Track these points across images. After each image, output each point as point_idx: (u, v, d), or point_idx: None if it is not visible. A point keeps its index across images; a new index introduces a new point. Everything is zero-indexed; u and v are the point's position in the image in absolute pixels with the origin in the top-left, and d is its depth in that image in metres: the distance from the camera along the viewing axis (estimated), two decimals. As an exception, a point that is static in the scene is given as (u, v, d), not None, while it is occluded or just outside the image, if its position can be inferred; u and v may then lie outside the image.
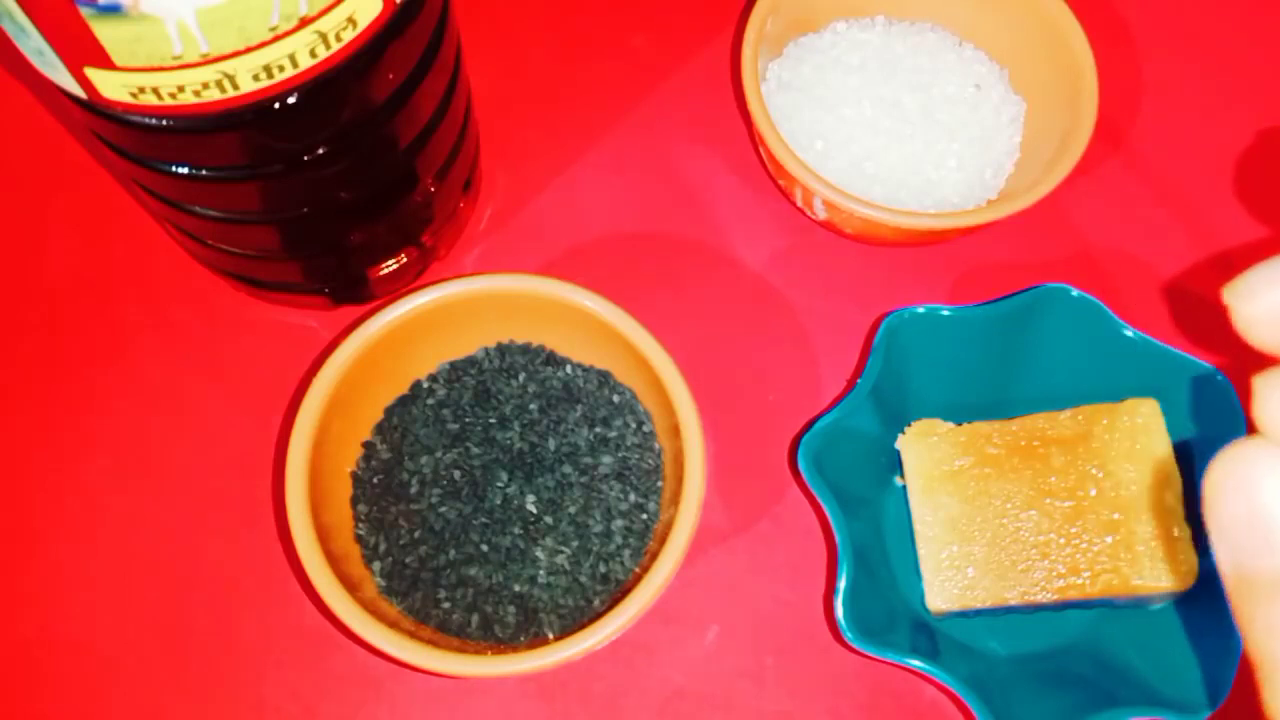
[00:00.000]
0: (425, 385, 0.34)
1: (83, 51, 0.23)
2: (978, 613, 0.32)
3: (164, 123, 0.26)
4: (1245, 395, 0.32)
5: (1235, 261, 0.39)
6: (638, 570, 0.32)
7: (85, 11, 0.22)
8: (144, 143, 0.28)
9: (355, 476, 0.33)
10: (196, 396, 0.37)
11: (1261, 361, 0.23)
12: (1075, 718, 0.29)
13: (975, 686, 0.29)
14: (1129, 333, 0.33)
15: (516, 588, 0.32)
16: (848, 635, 0.30)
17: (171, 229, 0.35)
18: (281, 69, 0.25)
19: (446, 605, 0.31)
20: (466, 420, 0.34)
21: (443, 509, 0.32)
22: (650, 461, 0.34)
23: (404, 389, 0.34)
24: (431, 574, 0.32)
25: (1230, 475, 0.19)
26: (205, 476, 0.36)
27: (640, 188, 0.40)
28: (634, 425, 0.34)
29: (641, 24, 0.43)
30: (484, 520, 0.32)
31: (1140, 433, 0.31)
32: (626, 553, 0.32)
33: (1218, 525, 0.19)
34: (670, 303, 0.38)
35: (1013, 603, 0.31)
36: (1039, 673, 0.32)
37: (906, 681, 0.34)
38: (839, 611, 0.30)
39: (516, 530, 0.32)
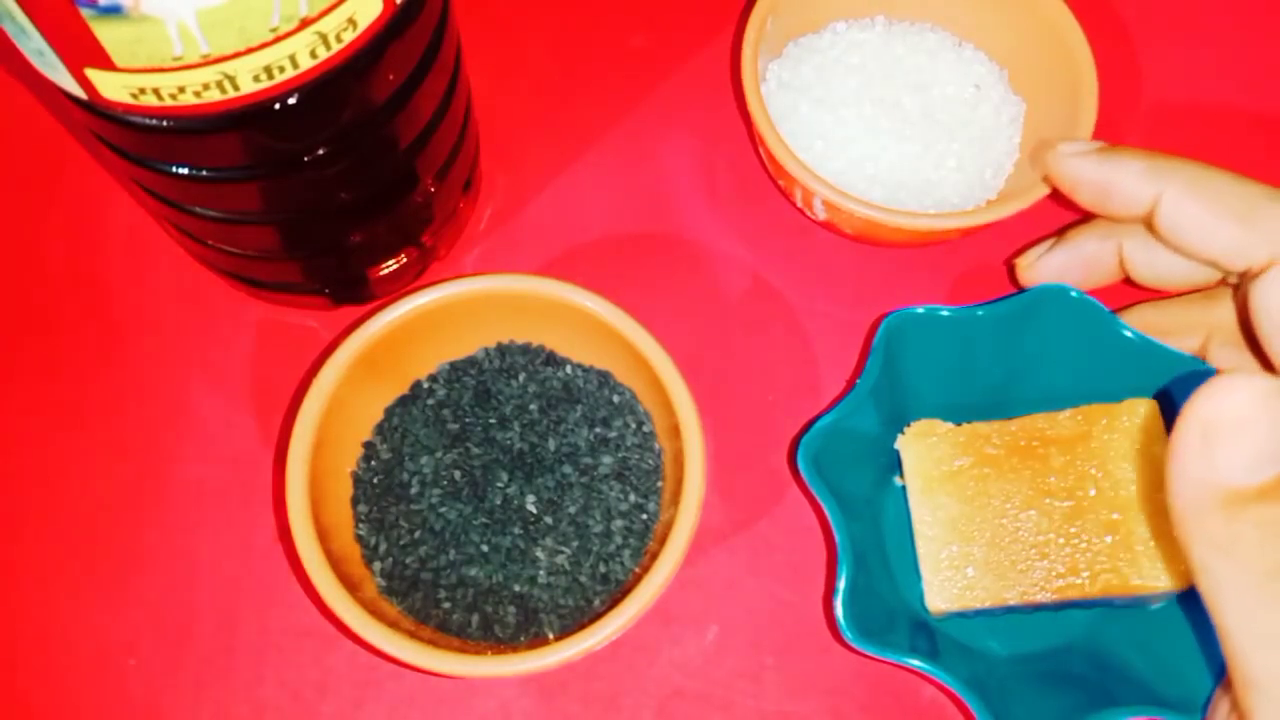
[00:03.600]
0: (425, 385, 0.34)
1: (83, 52, 0.23)
2: (977, 613, 0.32)
3: (164, 123, 0.26)
4: None
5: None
6: (638, 570, 0.32)
7: (86, 13, 0.22)
8: (144, 143, 0.28)
9: (355, 477, 0.33)
10: (196, 396, 0.37)
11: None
12: (1074, 718, 0.29)
13: (974, 686, 0.29)
14: (1129, 333, 0.33)
15: (516, 588, 0.32)
16: (847, 635, 0.30)
17: (171, 229, 0.35)
18: (282, 70, 0.25)
19: (446, 605, 0.31)
20: (466, 420, 0.34)
21: (443, 509, 0.32)
22: (650, 461, 0.34)
23: (404, 389, 0.34)
24: (432, 574, 0.32)
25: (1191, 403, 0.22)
26: (205, 476, 0.36)
27: (640, 188, 0.40)
28: (634, 425, 0.34)
29: (641, 24, 0.43)
30: (484, 520, 0.32)
31: (1140, 433, 0.31)
32: (626, 553, 0.32)
33: (1174, 446, 0.23)
34: (670, 303, 0.38)
35: (1012, 603, 0.31)
36: (1038, 673, 0.32)
37: (906, 681, 0.34)
38: (838, 611, 0.30)
39: (516, 530, 0.32)
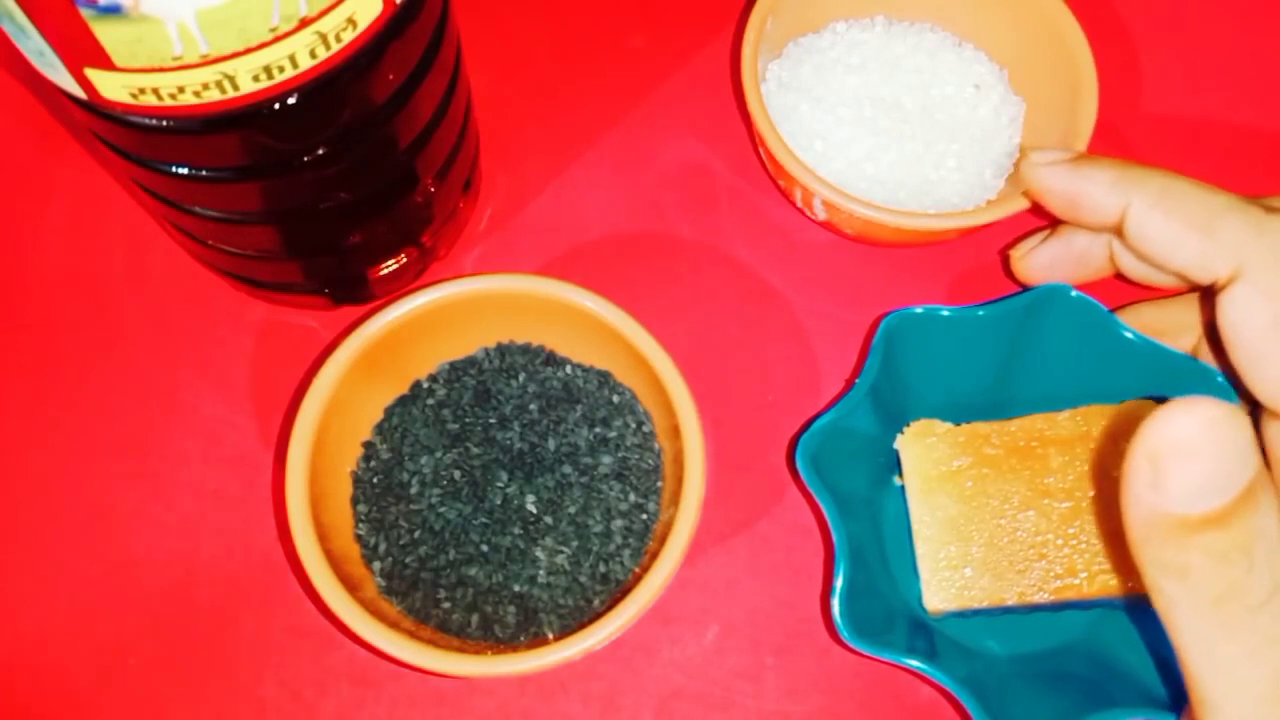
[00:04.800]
0: (425, 385, 0.34)
1: (83, 52, 0.23)
2: (975, 613, 0.32)
3: (164, 123, 0.26)
4: (1245, 397, 0.32)
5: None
6: (637, 570, 0.32)
7: (85, 13, 0.22)
8: (144, 143, 0.28)
9: (355, 476, 0.33)
10: (196, 396, 0.37)
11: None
12: (1073, 718, 0.29)
13: (972, 687, 0.29)
14: (1129, 333, 0.33)
15: (516, 588, 0.32)
16: (844, 635, 0.30)
17: (171, 229, 0.35)
18: (281, 70, 0.25)
19: (446, 605, 0.32)
20: (466, 420, 0.34)
21: (443, 509, 0.32)
22: (650, 461, 0.34)
23: (404, 389, 0.34)
24: (431, 574, 0.32)
25: (1143, 430, 0.22)
26: (205, 476, 0.36)
27: (640, 188, 0.40)
28: (634, 425, 0.34)
29: (641, 24, 0.43)
30: (484, 520, 0.32)
31: (1139, 434, 0.31)
32: (626, 553, 0.32)
33: (1125, 473, 0.23)
34: (670, 303, 0.38)
35: (1010, 603, 0.31)
36: (1036, 673, 0.32)
37: (904, 681, 0.34)
38: (836, 611, 0.30)
39: (516, 530, 0.32)
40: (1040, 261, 0.35)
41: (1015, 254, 0.36)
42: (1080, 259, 0.34)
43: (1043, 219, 0.35)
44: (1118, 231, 0.31)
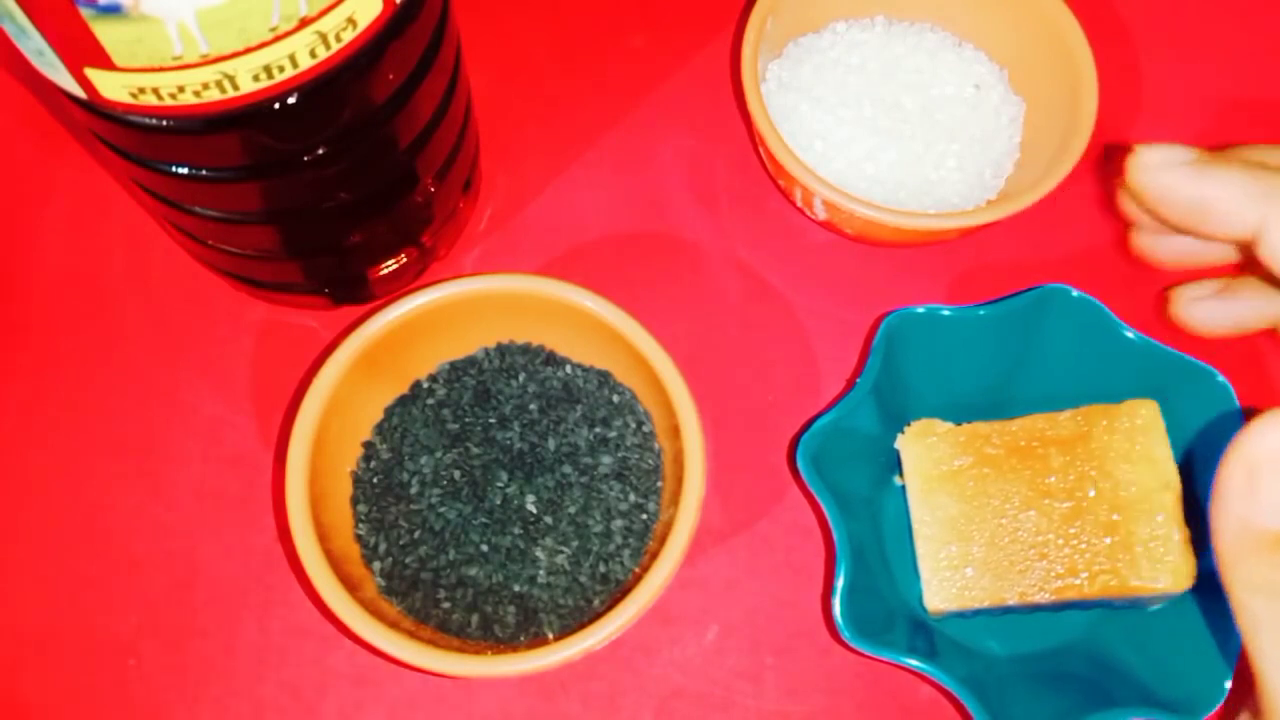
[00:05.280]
0: (425, 385, 0.34)
1: (83, 52, 0.23)
2: (976, 613, 0.32)
3: (164, 123, 0.26)
4: (1245, 396, 0.32)
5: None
6: (637, 570, 0.32)
7: (85, 12, 0.22)
8: (144, 143, 0.28)
9: (355, 476, 0.33)
10: (196, 396, 0.37)
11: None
12: (1072, 718, 0.29)
13: (972, 686, 0.29)
14: (1129, 333, 0.33)
15: (516, 588, 0.32)
16: (845, 634, 0.30)
17: (171, 229, 0.35)
18: (281, 69, 0.25)
19: (446, 605, 0.31)
20: (466, 420, 0.34)
21: (443, 509, 0.32)
22: (650, 461, 0.34)
23: (404, 389, 0.34)
24: (431, 574, 0.32)
25: (1239, 444, 0.21)
26: (205, 476, 0.36)
27: (640, 188, 0.40)
28: (634, 425, 0.34)
29: (641, 24, 0.43)
30: (484, 520, 0.32)
31: (1140, 434, 0.31)
32: (626, 553, 0.32)
33: (1219, 484, 0.22)
34: (670, 303, 0.38)
35: (1011, 603, 0.31)
36: (1036, 673, 0.32)
37: (904, 681, 0.34)
38: (836, 610, 0.30)
39: (516, 530, 0.32)
40: (1206, 316, 0.33)
41: (1179, 298, 0.33)
42: (1243, 319, 0.32)
43: (1118, 219, 0.33)
44: (1248, 247, 0.28)
